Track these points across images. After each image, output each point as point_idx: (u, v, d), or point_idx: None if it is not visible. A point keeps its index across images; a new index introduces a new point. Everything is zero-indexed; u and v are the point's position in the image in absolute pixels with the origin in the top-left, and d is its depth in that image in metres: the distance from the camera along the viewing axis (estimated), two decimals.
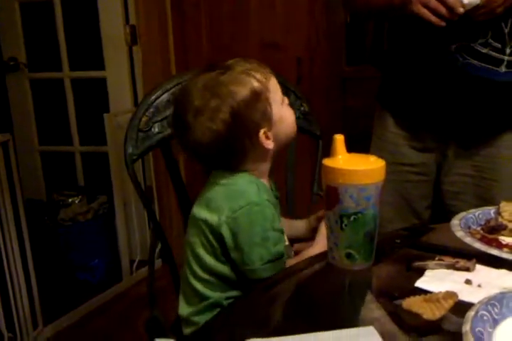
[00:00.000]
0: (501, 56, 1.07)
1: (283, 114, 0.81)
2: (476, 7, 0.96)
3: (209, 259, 0.77)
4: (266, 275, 0.72)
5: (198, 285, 0.78)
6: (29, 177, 2.27)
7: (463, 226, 0.71)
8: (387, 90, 1.27)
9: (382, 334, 0.49)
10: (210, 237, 0.76)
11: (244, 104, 0.76)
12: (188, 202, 1.03)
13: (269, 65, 2.16)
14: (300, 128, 1.06)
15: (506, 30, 1.05)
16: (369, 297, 0.60)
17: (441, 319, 0.51)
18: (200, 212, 0.78)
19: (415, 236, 0.81)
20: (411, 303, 0.53)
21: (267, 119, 0.78)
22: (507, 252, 0.63)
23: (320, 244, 0.79)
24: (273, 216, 0.75)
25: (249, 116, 0.76)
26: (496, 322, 0.48)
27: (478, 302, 0.50)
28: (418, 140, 1.22)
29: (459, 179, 1.22)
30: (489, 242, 0.66)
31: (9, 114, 2.35)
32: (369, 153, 1.26)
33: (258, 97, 0.77)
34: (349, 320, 0.54)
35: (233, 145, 0.77)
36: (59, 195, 2.17)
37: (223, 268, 0.76)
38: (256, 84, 0.77)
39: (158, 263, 1.84)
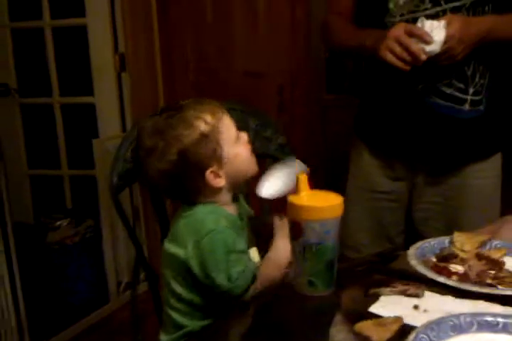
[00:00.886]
0: (465, 96, 1.17)
1: (237, 152, 0.86)
2: (438, 54, 1.05)
3: (180, 290, 0.83)
4: (241, 291, 0.78)
5: (174, 315, 0.85)
6: (17, 200, 2.32)
7: (418, 254, 0.78)
8: (362, 122, 1.36)
9: None
10: (181, 270, 0.82)
11: (191, 147, 0.82)
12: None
13: (252, 91, 2.25)
14: (276, 159, 1.14)
15: (469, 73, 1.15)
16: (329, 321, 0.66)
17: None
18: (169, 247, 0.85)
19: (384, 262, 0.87)
20: (362, 327, 0.60)
21: (216, 159, 0.83)
22: (454, 280, 0.70)
23: (276, 247, 0.85)
24: (233, 240, 0.81)
25: (196, 157, 0.82)
26: None
27: (420, 326, 0.56)
28: (390, 169, 1.30)
29: (428, 206, 1.30)
30: (439, 270, 0.72)
31: None
32: (347, 180, 1.36)
33: (206, 139, 0.82)
34: None
35: (183, 183, 0.84)
36: (47, 218, 2.21)
37: (195, 298, 0.82)
38: (204, 127, 0.83)
39: (144, 286, 1.87)
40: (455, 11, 1.11)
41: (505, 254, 0.79)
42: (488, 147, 1.26)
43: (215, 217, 0.82)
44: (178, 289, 0.83)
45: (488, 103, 1.20)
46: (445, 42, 1.03)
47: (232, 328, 0.65)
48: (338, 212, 0.68)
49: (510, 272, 0.73)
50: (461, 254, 0.78)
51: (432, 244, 0.82)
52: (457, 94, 1.17)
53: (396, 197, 1.32)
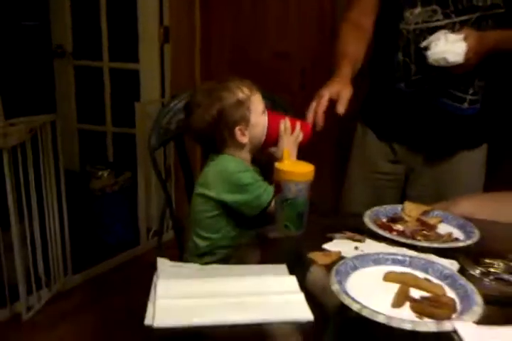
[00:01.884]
0: (465, 95, 1.37)
1: (260, 121, 1.15)
2: (458, 64, 1.22)
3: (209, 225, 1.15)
4: (267, 204, 1.09)
5: (199, 239, 1.16)
6: (67, 150, 2.63)
7: (373, 215, 1.03)
8: (369, 109, 1.55)
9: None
10: (212, 207, 1.13)
11: (228, 107, 1.11)
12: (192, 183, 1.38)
13: (279, 71, 2.45)
14: None
15: (470, 76, 1.33)
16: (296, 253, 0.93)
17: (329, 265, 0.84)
18: (201, 190, 1.15)
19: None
20: (314, 255, 0.86)
21: (244, 121, 1.12)
22: (393, 235, 0.95)
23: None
24: (253, 174, 1.13)
25: (231, 116, 1.11)
26: (353, 269, 0.80)
27: (351, 257, 0.83)
28: (392, 153, 1.50)
29: (421, 188, 1.51)
30: (383, 227, 0.98)
31: (54, 96, 2.71)
32: (349, 160, 1.58)
33: (240, 104, 1.11)
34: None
35: (217, 133, 1.13)
36: (91, 168, 2.52)
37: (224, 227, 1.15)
38: (241, 95, 1.12)
39: (170, 234, 2.17)
40: (463, 23, 1.28)
41: (441, 221, 1.03)
42: (477, 138, 1.47)
43: (237, 163, 1.13)
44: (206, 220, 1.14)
45: (483, 101, 1.40)
46: (465, 54, 1.20)
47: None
48: (309, 177, 0.93)
49: (437, 233, 0.98)
50: (406, 218, 1.03)
51: (387, 209, 1.07)
52: (459, 94, 1.38)
53: (394, 178, 1.54)
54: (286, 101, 1.55)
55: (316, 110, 1.15)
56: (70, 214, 2.10)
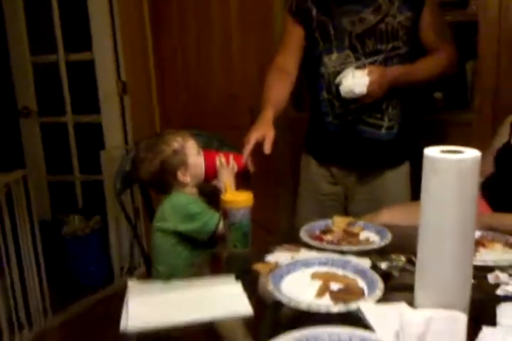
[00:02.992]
0: (381, 122, 1.62)
1: (196, 161, 1.38)
2: (363, 96, 1.46)
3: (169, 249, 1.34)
4: (214, 228, 1.28)
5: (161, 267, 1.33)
6: (38, 201, 2.77)
7: (309, 229, 1.23)
8: (311, 140, 1.80)
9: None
10: (170, 237, 1.33)
11: (167, 158, 1.34)
12: None
13: (230, 110, 2.67)
14: None
15: (384, 106, 1.60)
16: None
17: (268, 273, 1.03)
18: (158, 225, 1.35)
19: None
20: (257, 266, 1.05)
21: (183, 165, 1.35)
22: (323, 244, 1.15)
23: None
24: (202, 203, 1.36)
25: (171, 164, 1.34)
26: (286, 273, 1.00)
27: (284, 264, 1.02)
28: (331, 176, 1.75)
29: (359, 203, 1.74)
30: (315, 238, 1.18)
31: (22, 152, 2.86)
32: (299, 184, 1.80)
33: (177, 153, 1.35)
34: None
35: (163, 179, 1.35)
36: (62, 215, 2.67)
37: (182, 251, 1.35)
38: (176, 144, 1.35)
39: (143, 269, 2.32)
40: (372, 64, 1.55)
41: (362, 230, 1.25)
42: (397, 158, 1.72)
43: (186, 197, 1.35)
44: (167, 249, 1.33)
45: (399, 127, 1.66)
46: (368, 86, 1.44)
47: None
48: (249, 203, 1.14)
49: (358, 239, 1.18)
50: (335, 229, 1.24)
51: (320, 223, 1.28)
52: (376, 121, 1.64)
53: (335, 198, 1.78)
54: (236, 138, 1.76)
55: (246, 154, 1.38)
56: (45, 260, 2.23)
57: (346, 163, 1.71)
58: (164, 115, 2.74)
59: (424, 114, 2.12)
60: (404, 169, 1.73)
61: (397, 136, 1.67)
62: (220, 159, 1.38)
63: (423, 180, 0.81)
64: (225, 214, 1.15)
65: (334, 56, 1.59)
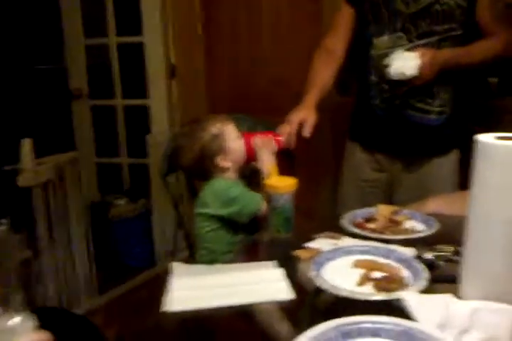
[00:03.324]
0: (432, 108, 1.57)
1: (236, 146, 1.37)
2: (415, 77, 1.43)
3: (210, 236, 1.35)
4: (258, 210, 1.28)
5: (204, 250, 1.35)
6: (87, 182, 2.87)
7: (351, 216, 1.22)
8: (356, 126, 1.77)
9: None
10: (211, 219, 1.33)
11: (206, 143, 1.33)
12: None
13: (275, 97, 2.65)
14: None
15: (435, 90, 1.55)
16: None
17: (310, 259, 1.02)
18: (198, 209, 1.36)
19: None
20: (298, 251, 1.05)
21: (223, 150, 1.33)
22: (365, 232, 1.13)
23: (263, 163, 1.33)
24: (234, 184, 1.34)
25: (210, 150, 1.33)
26: (328, 260, 0.99)
27: (325, 251, 1.02)
28: (376, 163, 1.71)
29: (405, 190, 1.71)
30: (358, 226, 1.16)
31: (73, 134, 2.97)
32: (341, 173, 1.78)
33: (215, 138, 1.33)
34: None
35: (204, 166, 1.34)
36: (110, 197, 2.76)
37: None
38: (215, 130, 1.34)
39: (186, 253, 2.35)
40: (425, 46, 1.50)
41: (408, 218, 1.21)
42: (447, 145, 1.66)
43: (226, 181, 1.34)
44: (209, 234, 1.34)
45: (450, 112, 1.60)
46: (419, 68, 1.42)
47: None
48: (292, 188, 1.13)
49: (403, 228, 1.16)
50: (379, 218, 1.22)
51: (363, 211, 1.26)
52: (426, 107, 1.59)
53: (378, 185, 1.74)
54: (282, 123, 1.75)
55: (289, 133, 1.37)
56: (93, 241, 2.31)
57: (392, 149, 1.67)
58: (211, 100, 2.75)
59: (477, 99, 2.03)
60: (453, 157, 1.67)
61: (448, 121, 1.61)
62: (257, 139, 1.37)
63: (473, 167, 0.78)
64: (268, 199, 1.15)
65: (386, 38, 1.55)
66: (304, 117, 1.40)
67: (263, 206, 1.26)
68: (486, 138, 0.75)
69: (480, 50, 1.53)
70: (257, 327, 0.86)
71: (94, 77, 2.91)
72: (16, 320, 0.61)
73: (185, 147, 1.35)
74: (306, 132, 1.37)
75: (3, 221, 0.60)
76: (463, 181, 1.71)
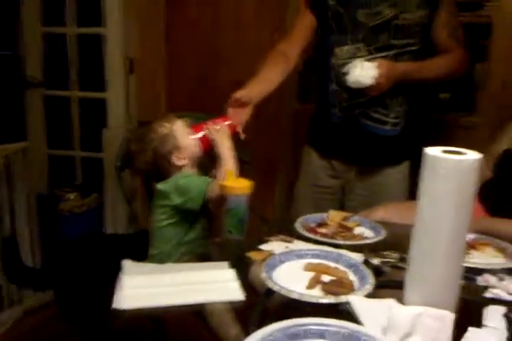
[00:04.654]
0: (387, 119, 1.63)
1: (188, 142, 1.37)
2: (370, 87, 1.48)
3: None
4: (203, 185, 1.29)
5: (165, 229, 1.34)
6: (37, 175, 2.78)
7: (303, 221, 1.25)
8: (313, 133, 1.81)
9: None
10: (168, 210, 1.34)
11: (158, 144, 1.33)
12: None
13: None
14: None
15: (389, 102, 1.61)
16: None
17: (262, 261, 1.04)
18: (157, 201, 1.35)
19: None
20: (251, 253, 1.07)
21: (176, 148, 1.33)
22: (317, 236, 1.16)
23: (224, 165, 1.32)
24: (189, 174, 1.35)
25: (163, 150, 1.32)
26: (280, 262, 1.01)
27: (277, 254, 1.04)
28: (331, 169, 1.76)
29: (355, 197, 1.76)
30: (310, 230, 1.19)
31: (24, 124, 2.86)
32: (298, 179, 1.81)
33: (166, 138, 1.34)
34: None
35: (160, 167, 1.34)
36: (60, 191, 2.68)
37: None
38: (164, 130, 1.34)
39: None
40: (383, 58, 1.55)
41: (358, 225, 1.26)
42: (398, 156, 1.73)
43: (182, 174, 1.34)
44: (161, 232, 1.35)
45: (404, 124, 1.66)
46: (376, 78, 1.46)
47: None
48: (247, 190, 1.15)
49: (352, 234, 1.20)
50: (330, 223, 1.25)
51: (315, 216, 1.29)
52: (381, 117, 1.64)
53: (333, 191, 1.79)
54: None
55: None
56: (41, 234, 2.24)
57: (347, 157, 1.72)
58: (170, 97, 2.72)
59: (429, 114, 2.12)
60: (404, 168, 1.74)
61: (401, 133, 1.67)
62: (210, 128, 1.37)
63: (421, 179, 0.81)
64: (224, 200, 1.16)
65: (346, 48, 1.59)
66: (247, 94, 1.48)
67: (215, 187, 1.25)
68: (433, 151, 0.79)
69: (436, 66, 1.61)
70: (207, 327, 0.87)
71: (51, 66, 2.82)
72: None
73: (138, 151, 1.35)
74: (242, 136, 1.43)
75: None
76: (412, 192, 1.80)
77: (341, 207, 1.80)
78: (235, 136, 1.41)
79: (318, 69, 1.74)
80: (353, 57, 1.58)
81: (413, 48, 1.59)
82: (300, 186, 1.85)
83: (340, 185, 1.78)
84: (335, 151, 1.74)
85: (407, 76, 1.55)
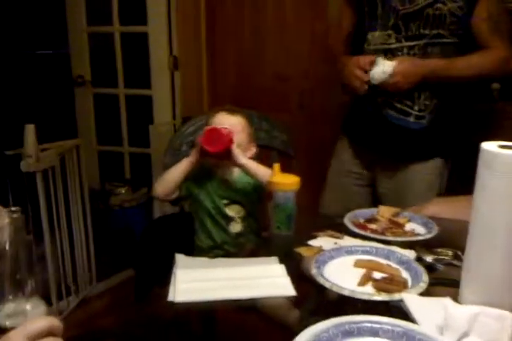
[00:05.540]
0: (410, 111, 1.57)
1: None
2: (388, 83, 1.47)
3: None
4: None
5: None
6: (88, 170, 2.87)
7: (352, 216, 1.24)
8: (348, 123, 1.79)
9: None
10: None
11: None
12: None
13: (279, 94, 2.66)
14: (280, 151, 1.62)
15: (415, 95, 1.56)
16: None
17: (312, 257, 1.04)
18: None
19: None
20: (300, 249, 1.07)
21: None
22: (366, 232, 1.15)
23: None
24: None
25: None
26: (330, 259, 1.01)
27: (327, 249, 1.03)
28: (361, 158, 1.73)
29: (383, 191, 1.71)
30: (359, 226, 1.18)
31: (75, 121, 2.97)
32: (329, 166, 1.79)
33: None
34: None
35: None
36: (110, 185, 2.77)
37: None
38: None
39: None
40: (411, 48, 1.51)
41: (408, 221, 1.23)
42: (427, 152, 1.64)
43: None
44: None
45: (432, 120, 1.59)
46: (393, 75, 1.46)
47: None
48: (294, 186, 1.15)
49: (403, 230, 1.18)
50: (380, 219, 1.24)
51: (364, 211, 1.27)
52: (405, 108, 1.58)
53: (362, 177, 1.75)
54: (284, 120, 1.76)
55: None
56: (93, 228, 2.32)
57: (374, 148, 1.68)
58: (213, 93, 2.75)
59: (478, 106, 2.03)
60: (433, 165, 1.64)
61: (428, 128, 1.59)
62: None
63: (477, 174, 0.79)
64: (271, 196, 1.16)
65: (377, 33, 1.56)
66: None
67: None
68: (490, 147, 0.77)
69: (470, 63, 1.51)
70: (262, 318, 0.88)
71: (98, 64, 2.90)
72: (28, 304, 0.62)
73: None
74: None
75: (16, 208, 0.61)
76: (453, 188, 1.73)
77: (372, 198, 1.76)
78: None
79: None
80: (384, 42, 1.55)
81: (447, 40, 1.51)
82: (330, 174, 1.82)
83: (371, 175, 1.74)
84: (364, 140, 1.71)
85: (436, 73, 1.50)
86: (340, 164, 1.78)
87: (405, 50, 1.52)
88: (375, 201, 1.74)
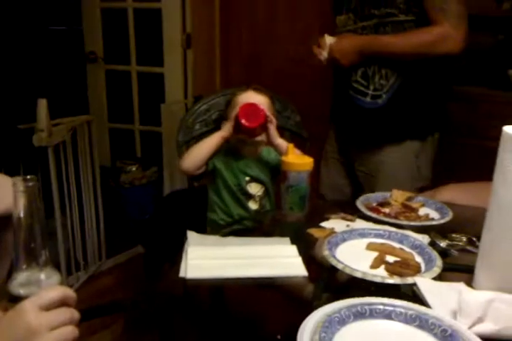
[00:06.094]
0: (366, 90, 1.56)
1: None
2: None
3: None
4: None
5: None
6: (99, 147, 2.87)
7: (364, 200, 1.23)
8: (332, 109, 1.78)
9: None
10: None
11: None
12: None
13: (291, 76, 2.62)
14: (292, 132, 1.60)
15: (370, 74, 1.54)
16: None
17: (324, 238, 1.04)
18: None
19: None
20: (312, 230, 1.06)
21: None
22: (379, 216, 1.14)
23: None
24: None
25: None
26: (342, 241, 1.00)
27: (340, 232, 1.03)
28: (340, 141, 1.74)
29: (359, 174, 1.68)
30: (372, 209, 1.17)
31: (86, 97, 2.95)
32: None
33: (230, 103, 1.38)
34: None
35: None
36: (121, 163, 2.78)
37: None
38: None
39: None
40: (364, 29, 1.52)
41: (422, 205, 1.22)
42: (395, 134, 1.57)
43: None
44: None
45: (389, 100, 1.53)
46: (330, 53, 1.53)
47: None
48: (308, 167, 1.14)
49: (417, 215, 1.16)
50: (393, 203, 1.22)
51: (377, 195, 1.26)
52: (361, 88, 1.57)
53: (343, 160, 1.75)
54: (294, 102, 1.74)
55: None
56: (103, 204, 2.33)
57: (347, 129, 1.70)
58: (225, 73, 2.72)
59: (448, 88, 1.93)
60: (407, 147, 1.57)
61: (385, 108, 1.54)
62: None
63: (498, 158, 0.78)
64: (285, 177, 1.15)
65: (342, 17, 1.59)
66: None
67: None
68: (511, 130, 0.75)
69: (405, 39, 1.45)
70: (280, 290, 0.87)
71: (111, 41, 2.87)
72: (42, 273, 0.62)
73: None
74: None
75: (31, 176, 0.61)
76: (441, 171, 1.69)
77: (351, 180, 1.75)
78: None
79: None
80: (345, 25, 1.57)
81: (397, 19, 1.46)
82: (322, 163, 1.81)
83: (349, 156, 1.72)
84: (340, 123, 1.73)
85: (363, 49, 1.49)
86: (328, 149, 1.79)
87: (359, 31, 1.53)
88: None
